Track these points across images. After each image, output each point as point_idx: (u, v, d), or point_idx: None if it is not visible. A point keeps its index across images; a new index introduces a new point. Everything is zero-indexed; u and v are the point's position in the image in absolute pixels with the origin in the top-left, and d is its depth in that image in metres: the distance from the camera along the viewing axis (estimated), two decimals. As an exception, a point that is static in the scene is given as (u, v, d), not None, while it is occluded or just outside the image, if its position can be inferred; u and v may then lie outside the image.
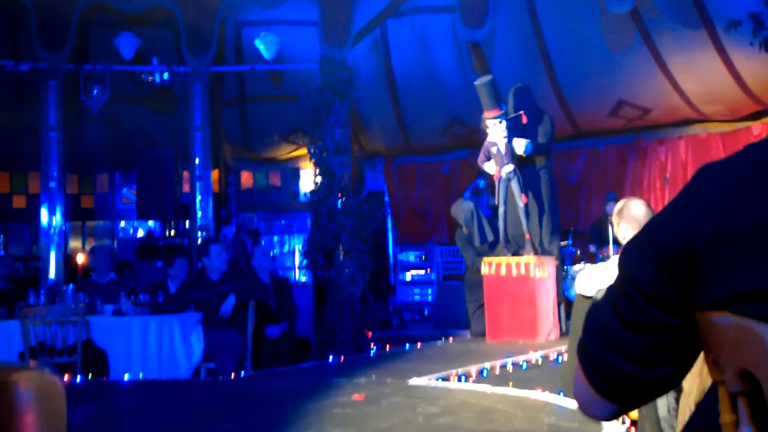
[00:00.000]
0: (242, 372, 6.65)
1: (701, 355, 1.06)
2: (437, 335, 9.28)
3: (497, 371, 5.91)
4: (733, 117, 11.97)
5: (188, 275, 7.94)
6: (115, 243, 14.53)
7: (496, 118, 8.19)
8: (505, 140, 8.23)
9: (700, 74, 11.17)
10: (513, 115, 8.23)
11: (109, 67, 10.88)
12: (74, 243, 14.54)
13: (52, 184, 10.56)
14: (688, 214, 0.99)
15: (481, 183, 9.55)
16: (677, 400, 3.15)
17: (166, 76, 11.14)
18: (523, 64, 11.85)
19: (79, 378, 6.05)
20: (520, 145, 8.24)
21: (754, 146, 1.01)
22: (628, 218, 3.73)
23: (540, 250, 8.44)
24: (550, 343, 7.52)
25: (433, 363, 6.44)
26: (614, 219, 3.84)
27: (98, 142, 13.50)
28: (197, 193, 10.87)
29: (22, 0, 10.51)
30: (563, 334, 8.09)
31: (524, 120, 8.14)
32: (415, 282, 13.19)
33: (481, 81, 8.35)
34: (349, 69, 10.19)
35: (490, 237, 8.98)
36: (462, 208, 9.13)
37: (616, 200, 10.23)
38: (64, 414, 1.06)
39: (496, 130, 8.24)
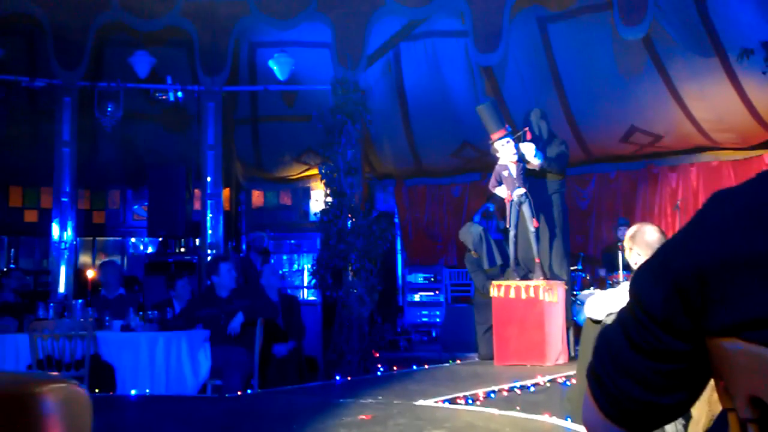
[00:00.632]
0: (249, 390, 6.64)
1: (710, 383, 1.06)
2: (445, 357, 9.25)
3: (505, 394, 5.88)
4: (745, 145, 11.95)
5: (192, 295, 7.96)
6: (125, 259, 14.57)
7: (502, 138, 8.23)
8: (515, 158, 8.25)
9: (711, 102, 11.16)
10: (519, 133, 8.27)
11: (124, 84, 10.96)
12: (84, 258, 14.57)
13: (64, 200, 10.61)
14: (700, 240, 1.00)
15: (491, 207, 9.55)
16: (686, 427, 3.13)
17: (179, 94, 11.21)
18: (535, 89, 11.89)
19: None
20: (530, 149, 8.23)
21: (767, 174, 1.01)
22: (641, 243, 3.72)
23: (550, 275, 8.42)
24: (559, 368, 7.48)
25: (441, 385, 6.41)
26: (627, 244, 3.83)
27: (111, 159, 13.59)
28: (208, 211, 10.90)
29: (38, 17, 10.62)
30: (572, 358, 8.06)
31: (528, 136, 8.20)
32: (423, 303, 13.16)
33: (482, 105, 8.45)
34: (362, 91, 10.24)
35: (499, 261, 8.97)
36: (470, 232, 9.13)
37: (627, 225, 10.23)
38: (90, 426, 1.07)
39: (505, 151, 8.27)
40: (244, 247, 14.33)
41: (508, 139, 8.23)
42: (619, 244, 10.03)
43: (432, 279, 13.26)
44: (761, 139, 11.69)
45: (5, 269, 12.09)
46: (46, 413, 0.99)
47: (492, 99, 8.59)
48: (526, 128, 8.31)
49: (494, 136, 8.29)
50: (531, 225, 8.26)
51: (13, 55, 11.45)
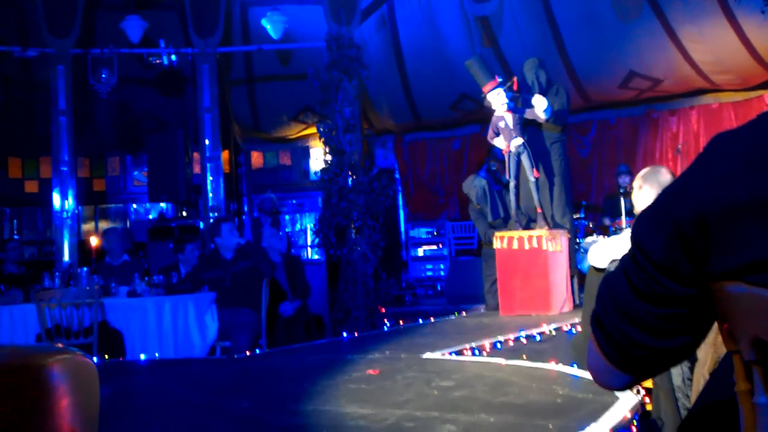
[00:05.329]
0: (257, 350, 6.69)
1: (715, 325, 1.07)
2: (450, 310, 9.30)
3: (511, 344, 5.92)
4: (745, 86, 11.87)
5: (199, 260, 7.98)
6: (128, 225, 14.61)
7: (495, 88, 8.17)
8: (505, 108, 8.19)
9: (710, 44, 11.06)
10: (509, 83, 8.20)
11: (117, 50, 10.87)
12: (87, 226, 14.61)
13: (64, 169, 10.59)
14: (701, 184, 0.99)
15: (492, 166, 9.48)
16: (691, 369, 3.15)
17: (173, 58, 11.13)
18: (532, 37, 11.76)
19: (95, 359, 6.11)
20: (541, 103, 8.16)
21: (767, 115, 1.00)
22: (653, 182, 3.70)
23: (552, 224, 8.43)
24: (564, 316, 7.53)
25: (447, 337, 6.46)
26: (637, 183, 3.82)
27: (108, 126, 13.55)
28: (208, 174, 10.88)
29: (27, -15, 10.52)
30: (576, 306, 8.11)
31: (515, 87, 8.14)
32: (427, 258, 13.21)
33: (470, 60, 8.38)
34: (357, 46, 10.13)
35: (502, 213, 8.97)
36: (474, 185, 9.11)
37: (628, 172, 10.21)
38: (98, 395, 1.07)
39: (497, 101, 8.22)
40: (246, 208, 14.35)
41: (499, 89, 8.18)
42: (620, 190, 10.03)
43: (435, 233, 13.28)
44: (761, 80, 11.60)
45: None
46: (55, 384, 1.00)
47: (479, 52, 8.50)
48: (515, 77, 8.25)
49: (485, 89, 8.25)
50: (531, 175, 8.24)
51: (4, 25, 11.34)
